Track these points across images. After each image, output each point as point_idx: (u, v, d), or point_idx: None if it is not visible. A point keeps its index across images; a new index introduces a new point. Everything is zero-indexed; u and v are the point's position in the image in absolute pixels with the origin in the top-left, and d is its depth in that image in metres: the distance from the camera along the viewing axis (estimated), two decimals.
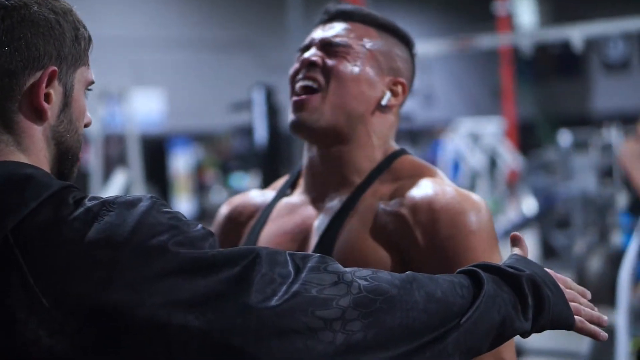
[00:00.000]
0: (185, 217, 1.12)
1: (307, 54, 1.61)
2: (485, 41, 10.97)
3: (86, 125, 1.22)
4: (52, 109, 1.15)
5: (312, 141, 1.61)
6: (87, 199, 1.09)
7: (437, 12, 20.68)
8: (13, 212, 1.06)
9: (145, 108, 13.22)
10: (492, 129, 15.26)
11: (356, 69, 1.59)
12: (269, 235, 1.64)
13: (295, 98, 1.60)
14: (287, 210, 1.65)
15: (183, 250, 1.07)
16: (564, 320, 1.27)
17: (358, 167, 1.60)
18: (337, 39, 1.61)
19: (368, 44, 1.62)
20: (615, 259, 6.61)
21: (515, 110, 18.05)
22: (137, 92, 9.72)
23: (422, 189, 1.53)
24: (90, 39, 1.21)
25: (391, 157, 1.62)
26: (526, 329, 1.23)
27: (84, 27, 1.20)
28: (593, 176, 10.48)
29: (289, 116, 1.61)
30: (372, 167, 1.60)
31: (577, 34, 9.79)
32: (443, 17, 20.52)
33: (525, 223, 9.80)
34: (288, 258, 1.13)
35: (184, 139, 15.24)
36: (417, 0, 19.67)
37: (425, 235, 1.48)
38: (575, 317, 1.28)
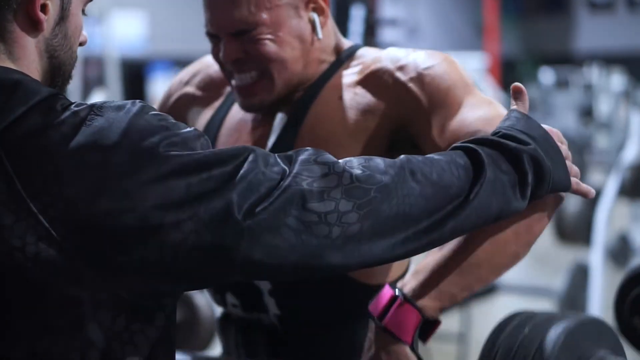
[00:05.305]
0: (174, 120, 1.09)
1: (223, 52, 1.48)
2: None
3: (82, 44, 1.19)
4: (48, 21, 1.12)
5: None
6: (74, 105, 1.07)
7: None
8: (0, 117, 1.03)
9: (126, 30, 13.06)
10: (475, 65, 15.22)
11: (282, 39, 1.47)
12: (230, 126, 1.60)
13: (238, 84, 1.51)
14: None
15: (175, 152, 1.04)
16: (562, 185, 1.28)
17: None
18: (243, 25, 1.45)
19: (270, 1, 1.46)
20: (592, 198, 6.64)
21: (499, 47, 17.98)
22: (118, 13, 9.58)
23: (401, 53, 1.52)
24: None
25: (350, 49, 1.57)
26: (522, 207, 1.23)
27: None
28: (573, 115, 10.50)
29: (237, 98, 1.53)
30: (331, 61, 1.56)
31: None
32: None
33: None
34: (277, 159, 1.10)
35: (165, 63, 15.10)
36: None
37: (416, 87, 1.47)
38: (572, 178, 1.29)
